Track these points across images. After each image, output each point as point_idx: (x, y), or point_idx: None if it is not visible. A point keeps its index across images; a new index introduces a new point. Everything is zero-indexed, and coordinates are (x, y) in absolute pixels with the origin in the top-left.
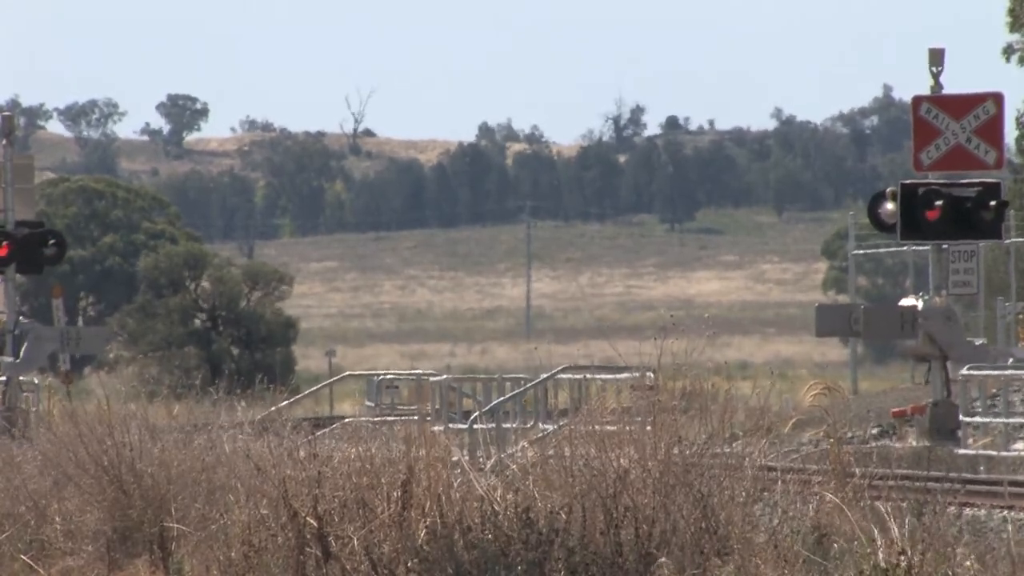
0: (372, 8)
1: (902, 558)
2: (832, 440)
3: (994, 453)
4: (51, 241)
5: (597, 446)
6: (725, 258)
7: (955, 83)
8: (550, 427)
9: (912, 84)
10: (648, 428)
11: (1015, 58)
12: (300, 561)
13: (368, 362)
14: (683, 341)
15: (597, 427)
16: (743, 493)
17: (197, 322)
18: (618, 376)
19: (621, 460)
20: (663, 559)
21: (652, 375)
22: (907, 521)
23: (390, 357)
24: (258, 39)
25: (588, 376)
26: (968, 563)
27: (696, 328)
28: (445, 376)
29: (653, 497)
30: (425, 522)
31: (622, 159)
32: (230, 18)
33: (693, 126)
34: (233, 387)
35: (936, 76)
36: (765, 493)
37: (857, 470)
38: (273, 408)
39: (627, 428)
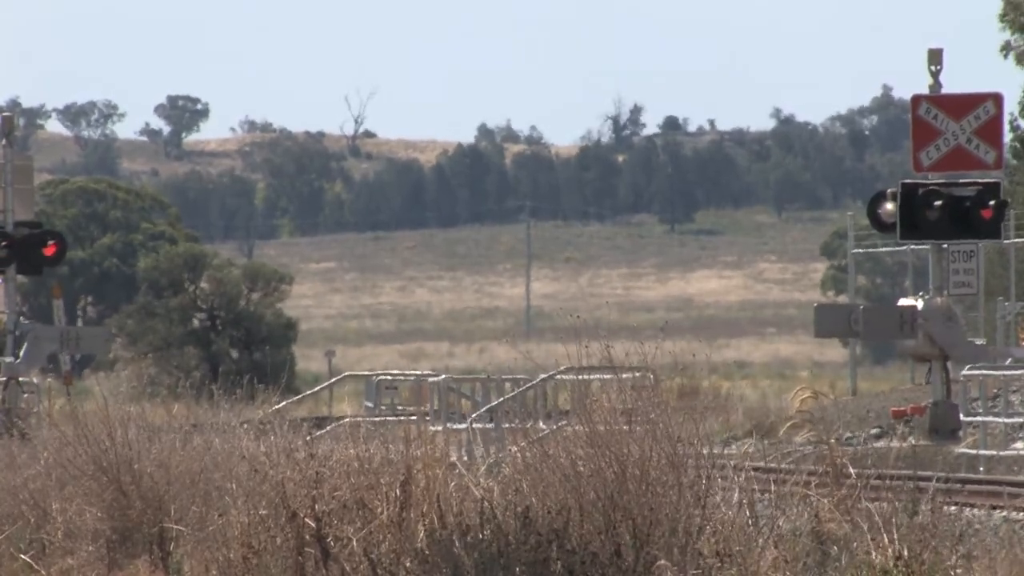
0: (372, 8)
1: (899, 561)
2: (825, 441)
3: (993, 452)
4: (51, 242)
5: (595, 446)
6: (724, 258)
7: (954, 84)
8: (549, 427)
9: (911, 84)
10: (647, 428)
11: (1012, 55)
12: (299, 562)
13: (368, 362)
14: (681, 342)
15: (595, 427)
16: (741, 494)
17: (196, 323)
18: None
19: (619, 461)
20: (662, 560)
21: (652, 375)
22: (902, 521)
23: (389, 357)
24: (258, 39)
25: (587, 376)
26: (959, 561)
27: (695, 329)
28: (444, 376)
29: (651, 498)
30: (424, 523)
31: (621, 159)
32: (230, 18)
33: (692, 126)
34: (230, 387)
35: (935, 76)
36: (764, 494)
37: (853, 471)
38: (273, 409)
39: (626, 428)
